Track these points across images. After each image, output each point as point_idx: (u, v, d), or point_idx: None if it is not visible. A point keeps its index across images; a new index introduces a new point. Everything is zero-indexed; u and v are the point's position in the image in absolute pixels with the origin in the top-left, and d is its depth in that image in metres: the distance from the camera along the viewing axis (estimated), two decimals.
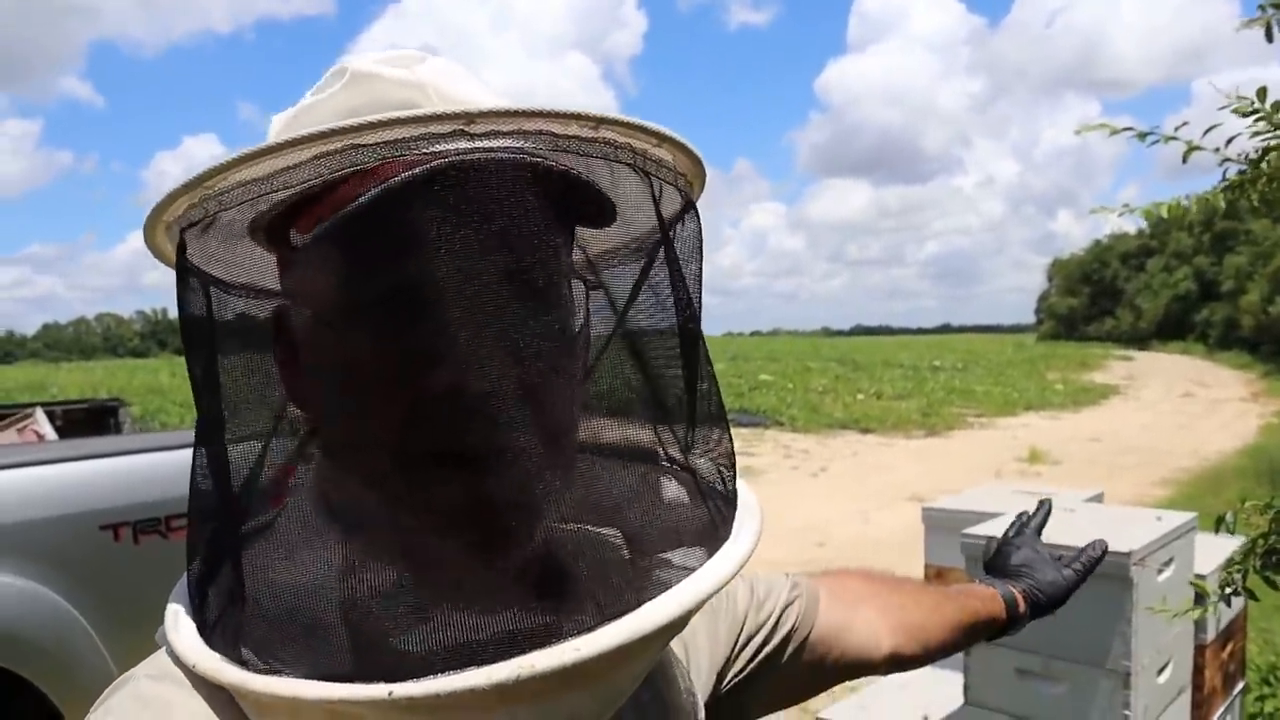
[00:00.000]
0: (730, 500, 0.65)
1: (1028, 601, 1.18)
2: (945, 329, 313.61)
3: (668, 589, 0.56)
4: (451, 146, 0.52)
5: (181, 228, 0.58)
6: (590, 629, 0.52)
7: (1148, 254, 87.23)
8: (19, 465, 2.84)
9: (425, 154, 0.52)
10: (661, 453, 0.65)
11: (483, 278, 0.53)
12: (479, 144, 0.53)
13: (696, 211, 0.65)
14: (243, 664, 0.53)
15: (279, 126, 0.63)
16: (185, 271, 0.58)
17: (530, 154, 0.55)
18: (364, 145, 0.52)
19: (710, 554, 0.60)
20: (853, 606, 1.02)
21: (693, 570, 0.58)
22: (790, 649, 0.94)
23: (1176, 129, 1.89)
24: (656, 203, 0.62)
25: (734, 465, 0.66)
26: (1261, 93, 1.42)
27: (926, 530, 3.83)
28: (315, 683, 0.51)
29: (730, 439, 0.67)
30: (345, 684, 0.50)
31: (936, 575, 3.79)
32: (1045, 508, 1.37)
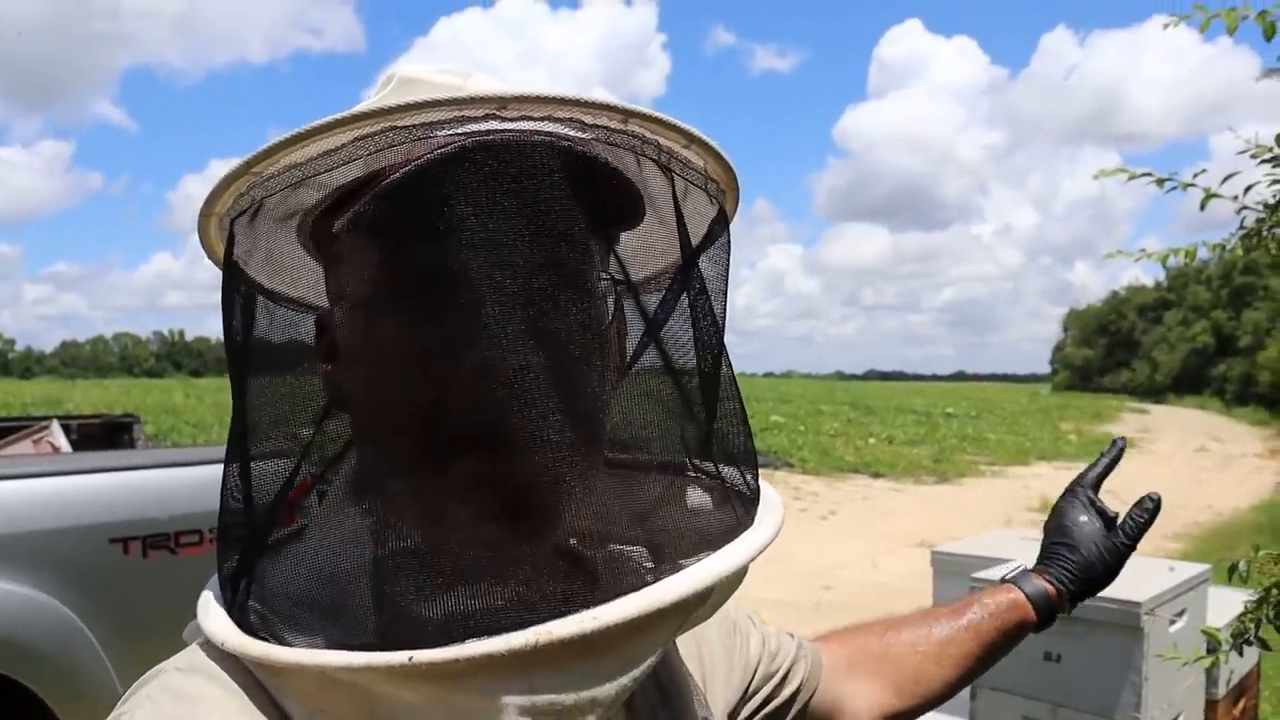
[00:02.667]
0: (753, 494, 0.65)
1: (1061, 593, 1.09)
2: (960, 376, 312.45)
3: (687, 567, 0.56)
4: (484, 127, 0.54)
5: (231, 218, 0.60)
6: (608, 600, 0.53)
7: (1165, 307, 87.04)
8: (32, 476, 2.86)
9: (459, 134, 0.54)
10: (685, 446, 0.66)
11: (522, 258, 0.54)
12: (510, 125, 0.54)
13: (725, 216, 0.66)
14: (268, 640, 0.54)
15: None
16: (233, 264, 0.60)
17: (563, 138, 0.56)
18: (400, 127, 0.54)
19: (730, 540, 0.60)
20: (849, 676, 1.01)
21: (713, 552, 0.59)
22: (795, 708, 0.94)
23: (1195, 175, 1.90)
24: (677, 201, 0.62)
25: (755, 463, 0.67)
26: None
27: (935, 574, 3.80)
28: (337, 652, 0.51)
29: (750, 437, 0.67)
30: (367, 652, 0.51)
31: None
32: (1118, 446, 1.21)
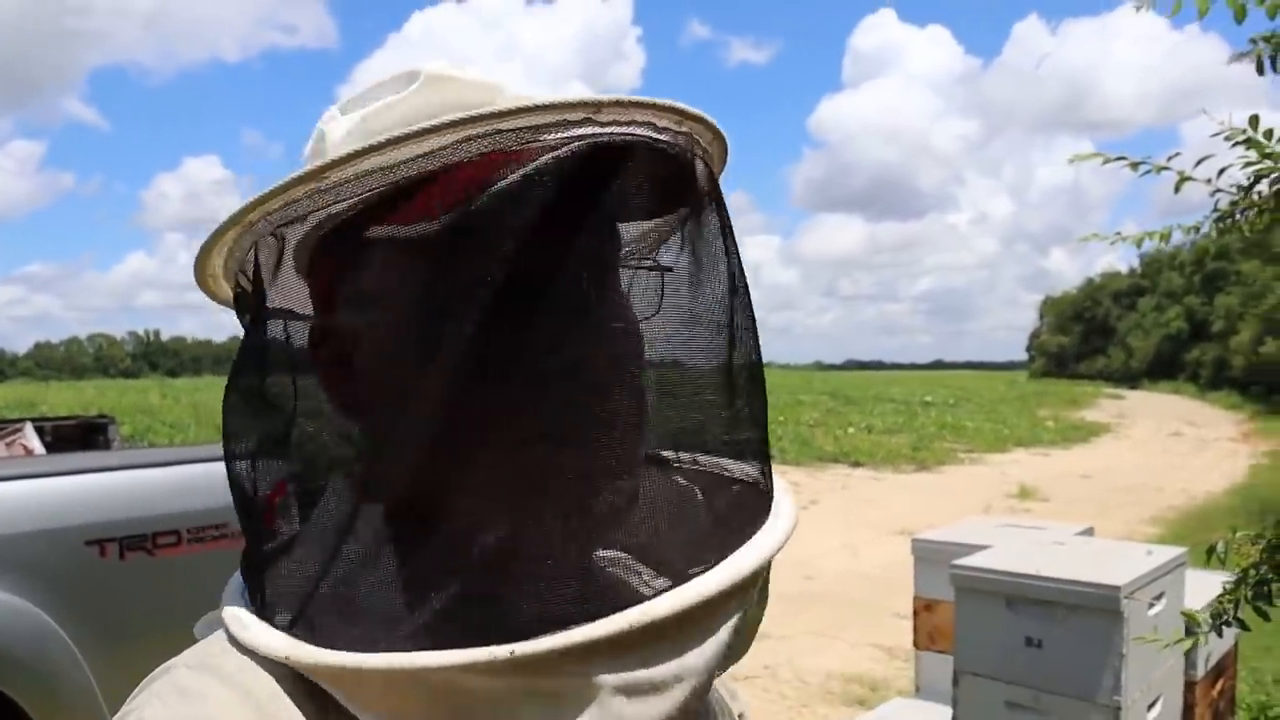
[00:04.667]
0: (771, 482, 0.68)
1: None
2: (938, 365, 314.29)
3: (739, 549, 0.60)
4: (584, 131, 0.56)
5: (279, 224, 0.59)
6: (683, 582, 0.56)
7: (1139, 293, 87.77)
8: (5, 479, 2.81)
9: (563, 138, 0.56)
10: (724, 438, 0.68)
11: (619, 249, 0.60)
12: (608, 130, 0.57)
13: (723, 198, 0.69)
14: (340, 648, 0.54)
15: (347, 126, 0.63)
16: (279, 274, 0.60)
17: (660, 142, 0.60)
18: (506, 130, 0.55)
19: (762, 523, 0.64)
20: None
21: (755, 533, 0.62)
22: None
23: (1169, 159, 1.91)
24: (721, 200, 0.66)
25: (768, 456, 0.69)
26: (1254, 121, 1.43)
27: (916, 562, 3.82)
28: (436, 652, 0.52)
29: (766, 432, 0.70)
30: (465, 649, 0.51)
31: (925, 608, 3.78)
32: None
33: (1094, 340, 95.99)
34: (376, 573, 0.57)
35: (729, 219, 0.66)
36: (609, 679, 0.53)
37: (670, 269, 0.67)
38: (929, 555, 3.74)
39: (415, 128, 0.53)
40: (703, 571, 0.57)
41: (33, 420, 4.30)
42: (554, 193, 0.54)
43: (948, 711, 3.11)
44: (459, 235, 0.55)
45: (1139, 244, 1.97)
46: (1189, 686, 3.08)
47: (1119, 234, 1.95)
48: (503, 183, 0.54)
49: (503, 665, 0.51)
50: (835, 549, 9.28)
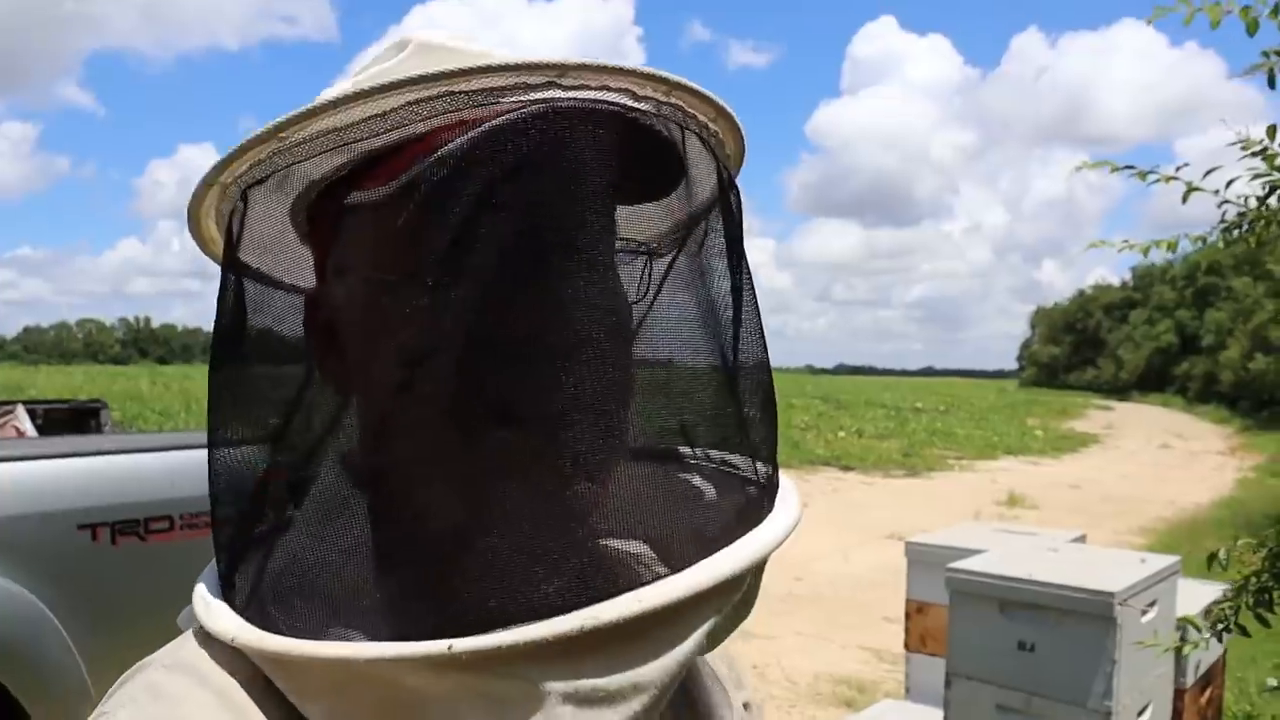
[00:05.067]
0: (773, 481, 0.63)
1: None
2: (929, 372, 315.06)
3: (719, 552, 0.54)
4: (545, 95, 0.52)
5: (246, 186, 0.57)
6: (649, 583, 0.51)
7: (1130, 306, 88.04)
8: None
9: (520, 102, 0.52)
10: (714, 432, 0.64)
11: (595, 228, 0.53)
12: (571, 94, 0.53)
13: (739, 193, 0.64)
14: (284, 633, 0.51)
15: (337, 92, 0.60)
16: (243, 235, 0.57)
17: (627, 109, 0.55)
18: (459, 92, 0.51)
19: (755, 526, 0.58)
20: None
21: (742, 537, 0.56)
22: None
23: (1177, 169, 1.91)
24: (721, 176, 0.61)
25: (775, 450, 0.65)
26: (1271, 131, 1.43)
27: (909, 565, 3.83)
28: (368, 643, 0.49)
29: (775, 424, 0.65)
30: (401, 642, 0.48)
31: (917, 610, 3.78)
32: None
33: (1084, 351, 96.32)
34: (329, 556, 0.54)
35: (738, 204, 0.62)
36: (557, 686, 0.48)
37: (657, 252, 0.63)
38: (922, 558, 3.74)
39: (365, 86, 0.51)
40: (673, 573, 0.52)
41: (25, 404, 4.27)
42: (502, 160, 0.51)
43: (938, 714, 3.12)
44: (405, 202, 0.52)
45: (1145, 251, 1.98)
46: (1178, 694, 3.09)
47: (1126, 241, 1.95)
48: (446, 148, 0.51)
49: (444, 663, 0.47)
50: (825, 552, 9.28)
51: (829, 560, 8.99)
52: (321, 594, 0.53)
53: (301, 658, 0.50)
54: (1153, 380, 73.57)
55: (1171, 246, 1.91)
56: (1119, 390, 77.49)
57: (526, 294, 0.52)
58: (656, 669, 0.51)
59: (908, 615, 3.83)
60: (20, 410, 4.02)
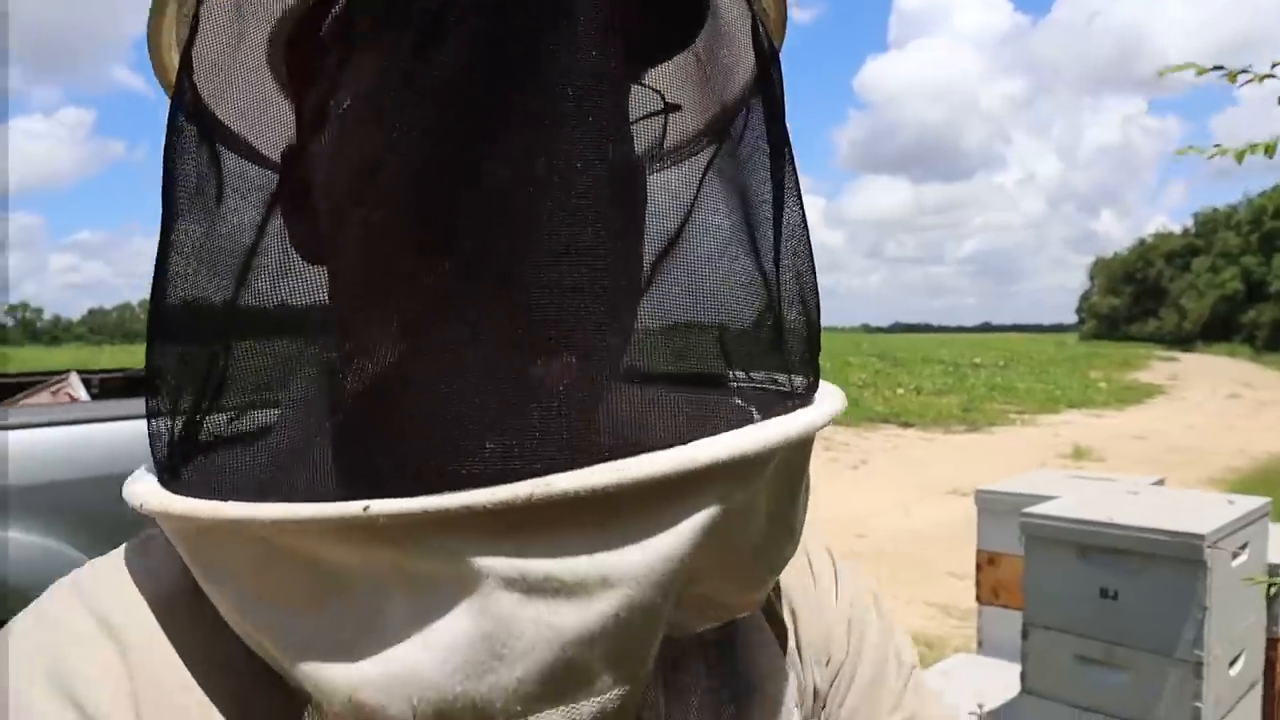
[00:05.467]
0: (814, 378, 0.54)
1: None
2: (985, 327, 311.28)
3: (729, 430, 0.44)
4: None
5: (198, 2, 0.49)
6: (627, 455, 0.40)
7: (1193, 253, 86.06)
8: (48, 424, 2.81)
9: None
10: (748, 314, 0.54)
11: (597, 70, 0.43)
12: None
13: (780, 65, 0.56)
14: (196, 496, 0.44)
15: None
16: (194, 61, 0.49)
17: None
18: None
19: (781, 414, 0.48)
20: None
21: (767, 419, 0.46)
22: None
23: (1274, 65, 1.76)
24: (757, 35, 0.53)
25: (818, 346, 0.56)
26: None
27: (980, 514, 3.70)
28: (275, 504, 0.40)
29: (819, 313, 0.56)
30: (311, 503, 0.39)
31: (989, 561, 3.66)
32: None
33: (1145, 302, 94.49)
34: (262, 417, 0.49)
35: (777, 73, 0.53)
36: (494, 565, 0.39)
37: (678, 107, 0.56)
38: (993, 507, 3.61)
39: None
40: (665, 447, 0.41)
41: (80, 372, 4.28)
42: None
43: (1013, 667, 3.00)
44: (380, 23, 0.44)
45: (1240, 158, 1.83)
46: (1271, 643, 2.94)
47: (1218, 146, 1.81)
48: None
49: (363, 530, 0.39)
50: (887, 508, 9.16)
51: (889, 516, 8.86)
52: (251, 457, 0.47)
53: (199, 519, 0.42)
54: (1218, 329, 71.96)
55: (1270, 150, 1.76)
56: (1183, 340, 75.90)
57: (511, 128, 0.43)
58: (635, 563, 0.40)
59: (979, 567, 3.70)
60: (74, 377, 4.03)
